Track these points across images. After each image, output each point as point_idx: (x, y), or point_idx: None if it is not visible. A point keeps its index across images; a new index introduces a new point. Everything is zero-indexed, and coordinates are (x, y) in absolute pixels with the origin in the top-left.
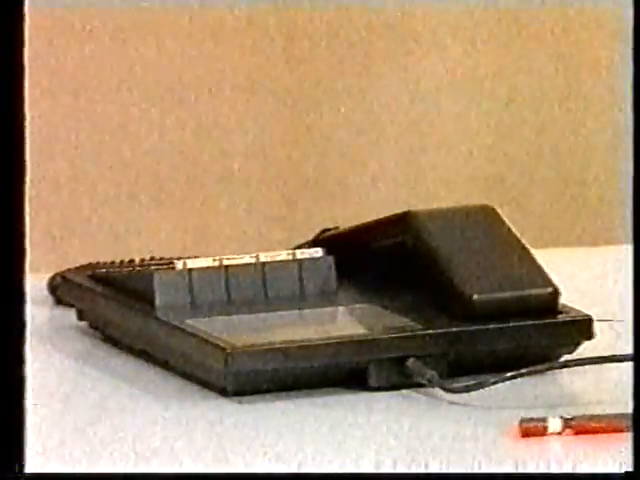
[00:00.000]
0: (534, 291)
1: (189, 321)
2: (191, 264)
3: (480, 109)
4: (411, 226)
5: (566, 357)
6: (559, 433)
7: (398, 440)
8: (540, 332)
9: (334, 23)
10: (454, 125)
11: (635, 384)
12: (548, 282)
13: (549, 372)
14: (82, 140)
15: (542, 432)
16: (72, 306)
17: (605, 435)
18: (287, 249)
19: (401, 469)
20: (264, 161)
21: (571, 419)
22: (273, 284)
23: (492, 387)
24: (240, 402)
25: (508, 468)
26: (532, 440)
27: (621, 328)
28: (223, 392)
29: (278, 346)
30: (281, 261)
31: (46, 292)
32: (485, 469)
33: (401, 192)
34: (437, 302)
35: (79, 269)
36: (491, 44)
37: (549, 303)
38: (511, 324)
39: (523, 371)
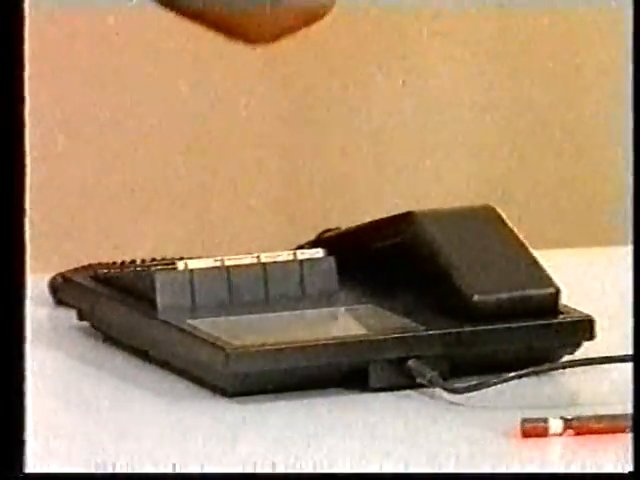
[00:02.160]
0: (535, 291)
1: (190, 321)
2: (192, 264)
3: (481, 110)
4: (412, 226)
5: (567, 357)
6: (560, 434)
7: (398, 441)
8: (541, 332)
9: (337, 25)
10: (455, 126)
11: (635, 384)
12: (549, 282)
13: (550, 373)
14: (83, 140)
15: (543, 433)
16: (73, 306)
17: (606, 435)
18: (288, 250)
19: (401, 469)
20: (265, 161)
21: (572, 420)
22: (274, 285)
23: (493, 388)
24: (240, 402)
25: (509, 468)
26: (533, 441)
27: (621, 328)
28: (223, 392)
29: (279, 346)
30: (282, 262)
31: (47, 292)
32: (486, 469)
33: (402, 192)
34: (438, 302)
35: (80, 269)
36: (492, 46)
37: (550, 303)
38: (512, 324)
39: (524, 372)
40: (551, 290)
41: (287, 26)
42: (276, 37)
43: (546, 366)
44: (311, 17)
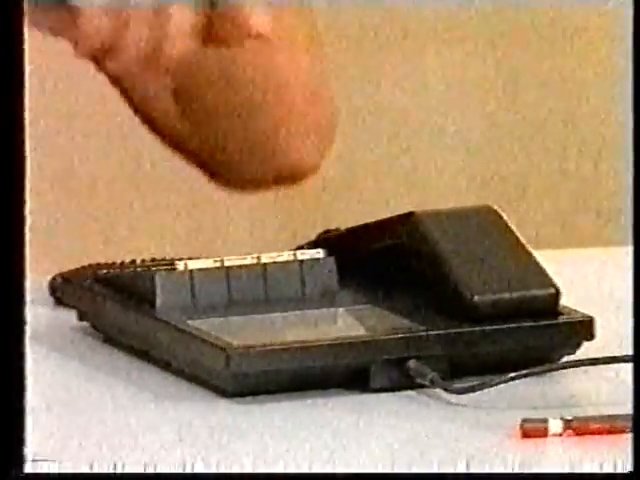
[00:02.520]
0: (535, 292)
1: (190, 322)
2: (192, 265)
3: (481, 110)
4: (413, 227)
5: (567, 358)
6: (560, 434)
7: (399, 441)
8: (541, 333)
9: (337, 25)
10: (455, 126)
11: (635, 384)
12: (549, 283)
13: (550, 373)
14: (83, 140)
15: (543, 433)
16: (73, 307)
17: (605, 436)
18: (288, 250)
19: (402, 469)
20: None
21: (572, 420)
22: (274, 285)
23: (493, 388)
24: (240, 403)
25: (509, 469)
26: (533, 441)
27: (621, 328)
28: (223, 393)
29: (279, 347)
30: (282, 262)
31: (47, 293)
32: (486, 469)
33: (402, 193)
34: (438, 303)
35: (80, 270)
36: (491, 45)
37: (550, 304)
38: (512, 325)
39: (524, 372)
40: (551, 291)
41: (269, 182)
42: (255, 188)
43: (546, 366)
44: (298, 176)
